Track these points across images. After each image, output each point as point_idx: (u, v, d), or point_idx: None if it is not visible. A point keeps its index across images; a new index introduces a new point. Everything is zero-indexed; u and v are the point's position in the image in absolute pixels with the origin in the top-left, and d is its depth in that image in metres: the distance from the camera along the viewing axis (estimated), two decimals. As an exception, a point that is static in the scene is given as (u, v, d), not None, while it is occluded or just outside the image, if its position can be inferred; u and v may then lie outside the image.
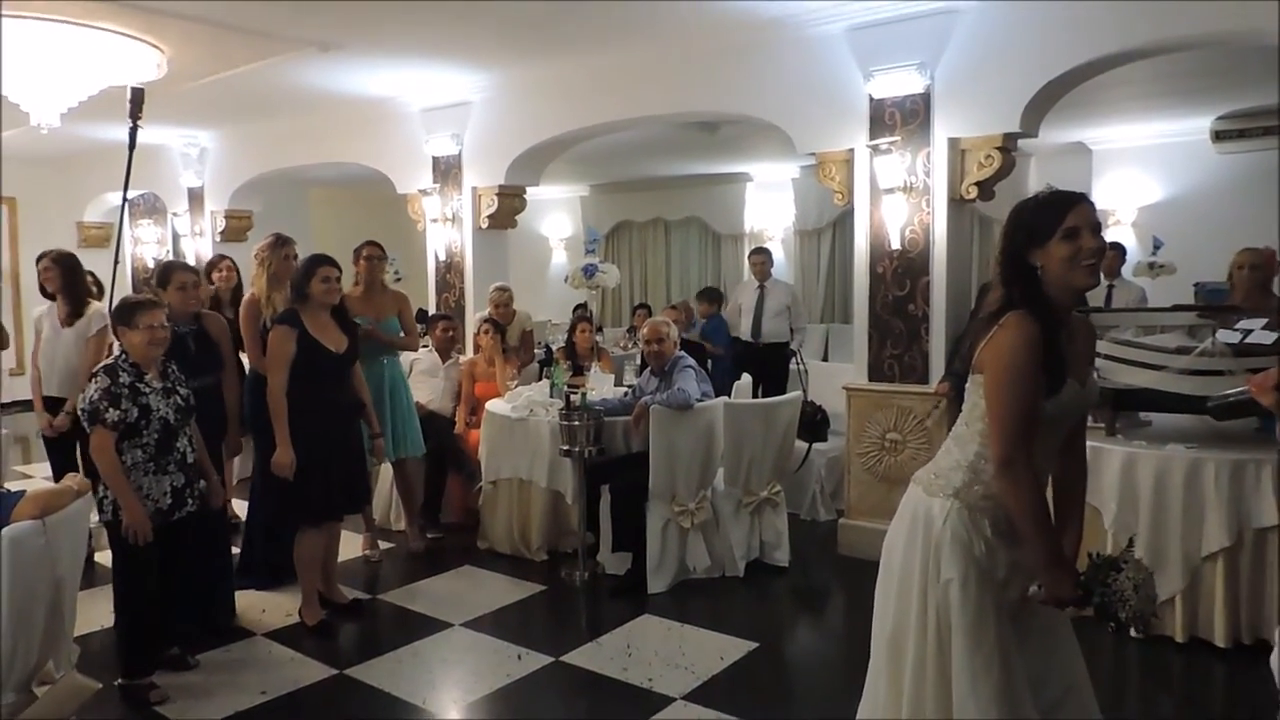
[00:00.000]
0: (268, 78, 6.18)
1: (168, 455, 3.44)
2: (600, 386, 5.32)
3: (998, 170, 4.65)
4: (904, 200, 4.83)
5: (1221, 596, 3.67)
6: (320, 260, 4.12)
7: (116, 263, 4.59)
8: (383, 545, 5.30)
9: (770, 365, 7.08)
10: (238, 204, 8.74)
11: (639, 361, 5.95)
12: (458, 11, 4.96)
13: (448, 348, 6.03)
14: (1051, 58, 4.42)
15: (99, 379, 3.32)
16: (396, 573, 4.99)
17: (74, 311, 4.77)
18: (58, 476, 4.52)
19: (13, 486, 3.22)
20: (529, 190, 6.97)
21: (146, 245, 9.95)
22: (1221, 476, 3.64)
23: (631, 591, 4.55)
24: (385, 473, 5.50)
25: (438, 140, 6.88)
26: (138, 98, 4.49)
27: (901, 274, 4.91)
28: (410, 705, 3.46)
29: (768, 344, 7.31)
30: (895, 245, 4.89)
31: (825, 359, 9.30)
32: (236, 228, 8.77)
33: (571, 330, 6.48)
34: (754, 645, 3.94)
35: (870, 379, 5.05)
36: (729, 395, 5.25)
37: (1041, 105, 4.60)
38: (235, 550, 4.58)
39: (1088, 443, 2.34)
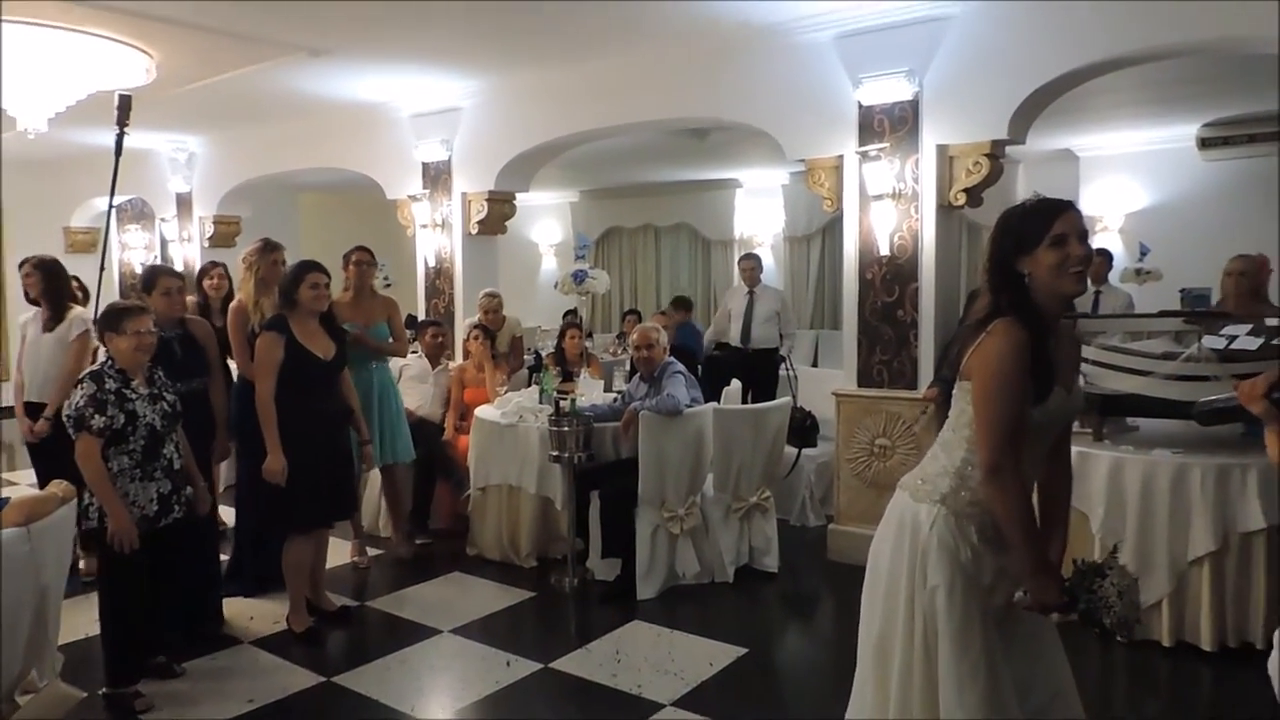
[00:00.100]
0: (257, 83, 6.17)
1: (154, 462, 3.42)
2: (590, 392, 5.32)
3: (986, 177, 4.68)
4: (893, 207, 4.85)
5: (1207, 600, 3.69)
6: (308, 267, 4.11)
7: (103, 268, 4.56)
8: (371, 552, 5.28)
9: (760, 371, 7.08)
10: (226, 209, 8.71)
11: (629, 367, 5.95)
12: (448, 17, 4.96)
13: (437, 354, 6.02)
14: (1039, 65, 4.45)
15: (85, 385, 3.30)
16: (385, 579, 4.97)
17: (55, 316, 4.73)
18: (42, 483, 4.49)
19: (-3, 493, 3.20)
20: (519, 196, 6.97)
21: (134, 251, 9.90)
22: (1207, 481, 3.66)
23: (621, 597, 4.55)
24: (373, 479, 5.48)
25: (428, 146, 6.88)
26: (125, 104, 4.48)
27: (890, 280, 4.93)
28: (398, 713, 3.44)
29: (757, 350, 7.32)
30: (884, 251, 4.91)
31: (815, 364, 9.31)
32: (225, 233, 8.74)
33: (561, 336, 6.48)
34: (743, 651, 3.94)
35: (859, 385, 5.07)
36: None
37: (1029, 112, 4.63)
38: (223, 557, 4.56)
39: (1075, 448, 2.36)
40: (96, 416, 3.24)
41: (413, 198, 7.01)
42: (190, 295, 5.01)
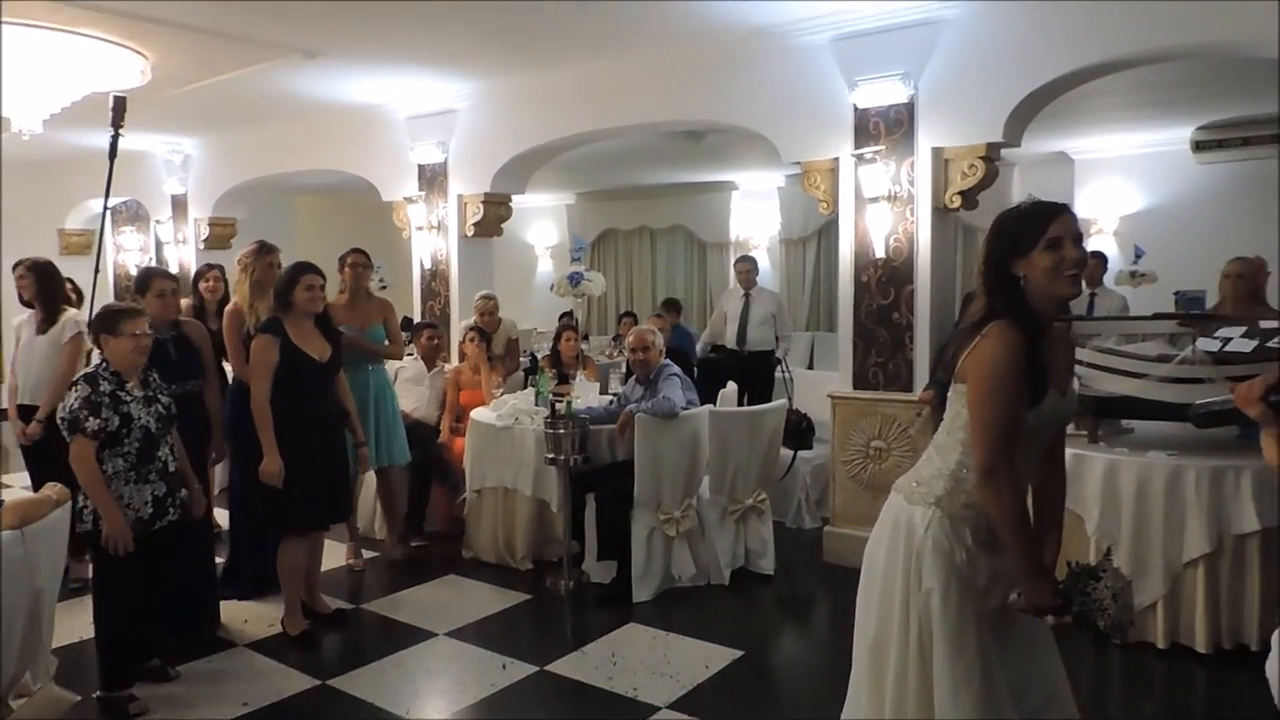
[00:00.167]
0: (253, 84, 6.15)
1: (149, 464, 3.41)
2: (585, 395, 5.32)
3: (981, 179, 4.68)
4: (888, 209, 4.85)
5: (1202, 602, 3.70)
6: (304, 268, 4.10)
7: (97, 271, 4.55)
8: (366, 554, 5.27)
9: (756, 373, 7.09)
10: (221, 211, 8.68)
11: (624, 369, 5.95)
12: (444, 19, 4.96)
13: (433, 356, 6.02)
14: (1034, 68, 4.46)
15: (79, 387, 3.29)
16: (380, 582, 4.96)
17: (48, 319, 4.72)
18: (37, 486, 4.47)
19: (-9, 496, 3.18)
20: (515, 198, 6.97)
21: (129, 253, 9.86)
22: (1202, 483, 3.67)
23: (617, 600, 4.54)
24: (369, 481, 5.47)
25: (423, 148, 6.87)
26: (120, 106, 4.47)
27: (886, 282, 4.94)
28: (394, 716, 3.43)
29: (753, 352, 7.32)
30: (880, 254, 4.92)
31: (810, 367, 9.33)
32: (220, 235, 8.71)
33: (557, 338, 6.48)
34: (739, 654, 3.94)
35: (855, 387, 5.07)
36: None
37: (1024, 115, 4.64)
38: (219, 560, 4.55)
39: (1070, 450, 2.36)
40: (91, 419, 3.23)
41: (408, 200, 7.00)
42: (185, 298, 5.00)
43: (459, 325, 6.58)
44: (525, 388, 5.97)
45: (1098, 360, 3.90)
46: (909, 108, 4.77)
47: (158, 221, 9.21)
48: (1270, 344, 3.64)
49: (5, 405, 4.92)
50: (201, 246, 8.68)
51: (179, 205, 8.89)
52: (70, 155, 8.61)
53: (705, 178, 11.20)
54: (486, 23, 5.00)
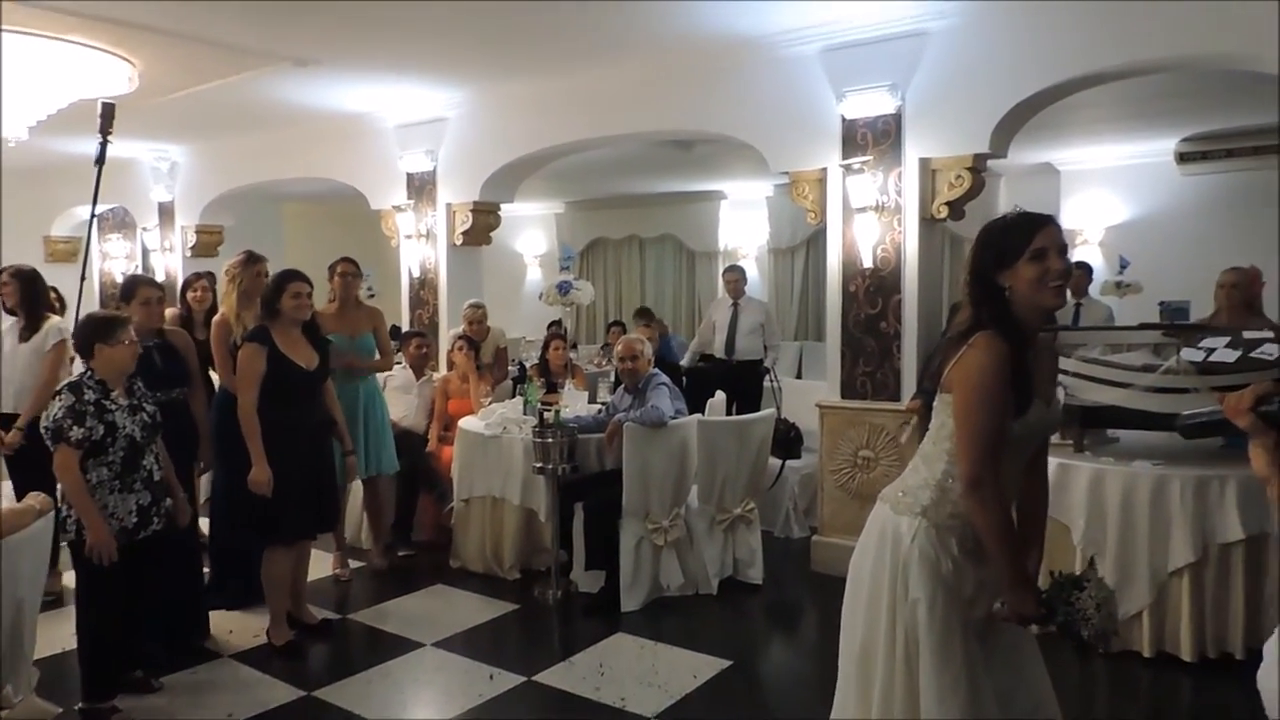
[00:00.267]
0: (241, 92, 6.14)
1: (134, 473, 3.39)
2: (574, 404, 5.31)
3: (968, 190, 4.71)
4: (876, 219, 4.88)
5: (1187, 611, 3.72)
6: (290, 276, 4.08)
7: (83, 278, 4.53)
8: (353, 564, 5.25)
9: (744, 383, 7.08)
10: (209, 219, 8.65)
11: (613, 379, 5.95)
12: (434, 28, 4.96)
13: (421, 364, 6.00)
14: (1020, 80, 4.50)
15: (63, 396, 3.27)
16: (367, 592, 4.93)
17: (30, 326, 4.69)
18: (20, 495, 4.43)
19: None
20: (504, 207, 6.97)
21: (115, 260, 9.81)
22: (1187, 492, 3.70)
23: (605, 610, 4.53)
24: (355, 491, 5.45)
25: (412, 156, 6.87)
26: (108, 113, 4.45)
27: (873, 292, 4.96)
28: (380, 727, 3.41)
29: (741, 361, 7.33)
30: (867, 264, 4.94)
31: (799, 376, 9.33)
32: (207, 243, 8.68)
33: (545, 347, 6.47)
34: (727, 663, 3.93)
35: (843, 396, 5.08)
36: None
37: (1011, 126, 4.68)
38: (205, 569, 4.51)
39: (1056, 459, 2.37)
40: (75, 428, 3.21)
41: (397, 208, 6.99)
42: (171, 307, 4.96)
43: (447, 334, 6.57)
44: (514, 396, 5.97)
45: (1083, 370, 3.91)
46: (896, 118, 4.79)
47: (144, 229, 9.17)
48: (1254, 354, 3.67)
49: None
50: (188, 254, 8.65)
51: (166, 212, 8.85)
52: (56, 162, 8.56)
53: (694, 187, 11.23)
54: (476, 31, 5.01)
